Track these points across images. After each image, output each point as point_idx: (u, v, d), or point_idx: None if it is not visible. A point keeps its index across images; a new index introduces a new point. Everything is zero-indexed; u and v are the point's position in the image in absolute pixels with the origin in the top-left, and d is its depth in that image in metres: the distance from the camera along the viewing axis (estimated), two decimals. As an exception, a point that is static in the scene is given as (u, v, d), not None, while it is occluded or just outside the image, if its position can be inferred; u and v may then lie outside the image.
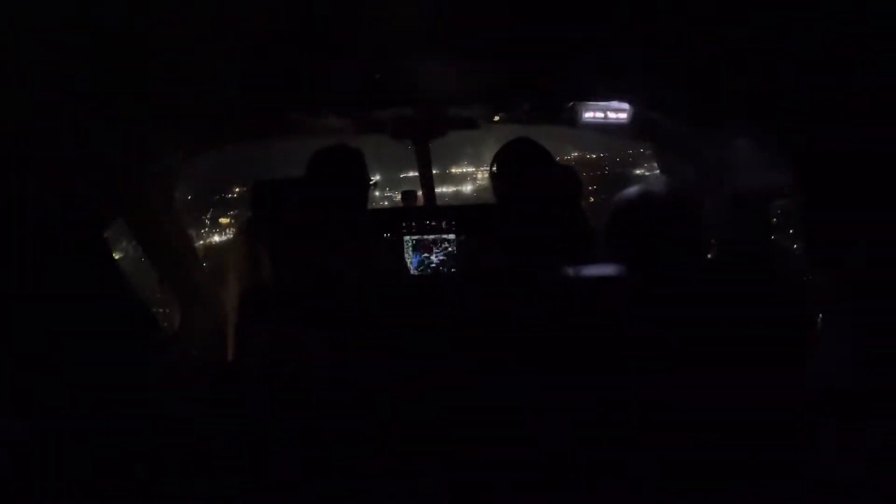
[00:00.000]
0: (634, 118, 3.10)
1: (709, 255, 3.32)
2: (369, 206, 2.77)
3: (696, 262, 1.85)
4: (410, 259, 3.67)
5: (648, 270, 1.85)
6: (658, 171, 3.78)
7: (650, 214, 1.87)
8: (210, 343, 3.24)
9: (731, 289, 1.79)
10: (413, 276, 3.64)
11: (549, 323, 1.88)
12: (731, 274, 1.92)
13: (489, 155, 2.74)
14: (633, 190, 1.95)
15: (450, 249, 3.63)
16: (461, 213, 3.68)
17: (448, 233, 3.64)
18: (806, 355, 1.80)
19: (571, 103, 3.13)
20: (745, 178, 2.77)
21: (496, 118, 3.48)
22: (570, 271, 2.06)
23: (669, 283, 1.80)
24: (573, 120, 3.20)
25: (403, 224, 3.66)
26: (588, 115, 3.15)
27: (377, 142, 3.69)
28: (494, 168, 2.45)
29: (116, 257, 1.63)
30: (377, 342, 2.38)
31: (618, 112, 3.10)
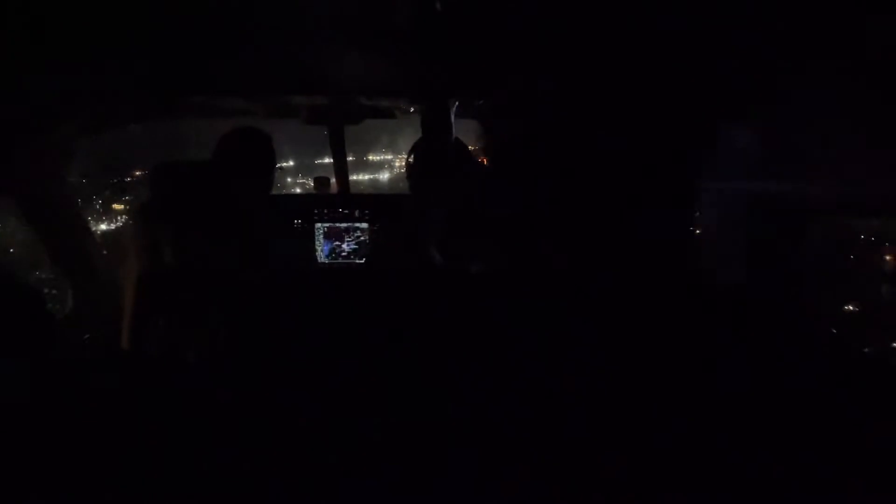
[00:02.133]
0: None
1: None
2: (282, 192, 2.72)
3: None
4: (321, 247, 3.63)
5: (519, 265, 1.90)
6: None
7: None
8: (106, 329, 3.10)
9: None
10: (322, 263, 3.61)
11: (453, 315, 1.89)
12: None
13: (408, 143, 2.73)
14: None
15: (362, 238, 3.61)
16: (375, 202, 3.66)
17: (361, 221, 3.61)
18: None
19: (480, 101, 3.16)
20: None
21: (412, 109, 3.48)
22: (475, 266, 2.08)
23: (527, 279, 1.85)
24: (483, 115, 3.23)
25: (315, 211, 3.61)
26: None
27: (292, 125, 3.64)
28: (410, 158, 2.47)
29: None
30: (281, 330, 2.33)
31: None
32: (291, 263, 3.02)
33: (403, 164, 2.62)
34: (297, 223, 3.61)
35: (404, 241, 2.40)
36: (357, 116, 3.61)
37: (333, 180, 3.88)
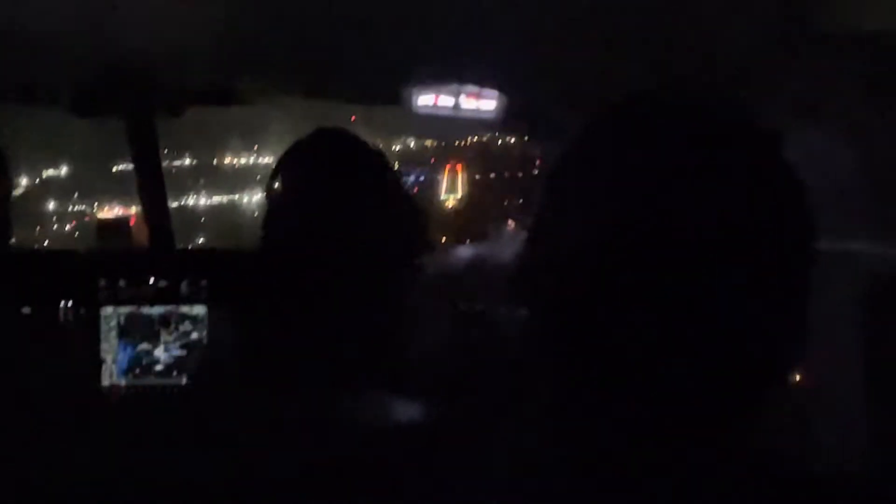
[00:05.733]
0: (508, 108, 2.21)
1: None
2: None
3: None
4: (113, 353, 2.18)
5: None
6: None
7: None
8: None
9: None
10: (117, 389, 2.20)
11: None
12: None
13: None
14: None
15: (195, 336, 2.21)
16: (222, 262, 2.28)
17: (194, 301, 2.21)
18: None
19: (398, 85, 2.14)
20: None
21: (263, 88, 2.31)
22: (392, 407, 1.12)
23: None
24: (401, 101, 2.20)
25: (103, 282, 2.21)
26: (423, 102, 2.19)
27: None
28: (277, 183, 1.26)
29: None
30: None
31: (480, 99, 2.19)
32: (56, 393, 1.67)
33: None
34: (67, 307, 2.18)
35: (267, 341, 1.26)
36: (177, 102, 2.26)
37: (135, 217, 2.56)
